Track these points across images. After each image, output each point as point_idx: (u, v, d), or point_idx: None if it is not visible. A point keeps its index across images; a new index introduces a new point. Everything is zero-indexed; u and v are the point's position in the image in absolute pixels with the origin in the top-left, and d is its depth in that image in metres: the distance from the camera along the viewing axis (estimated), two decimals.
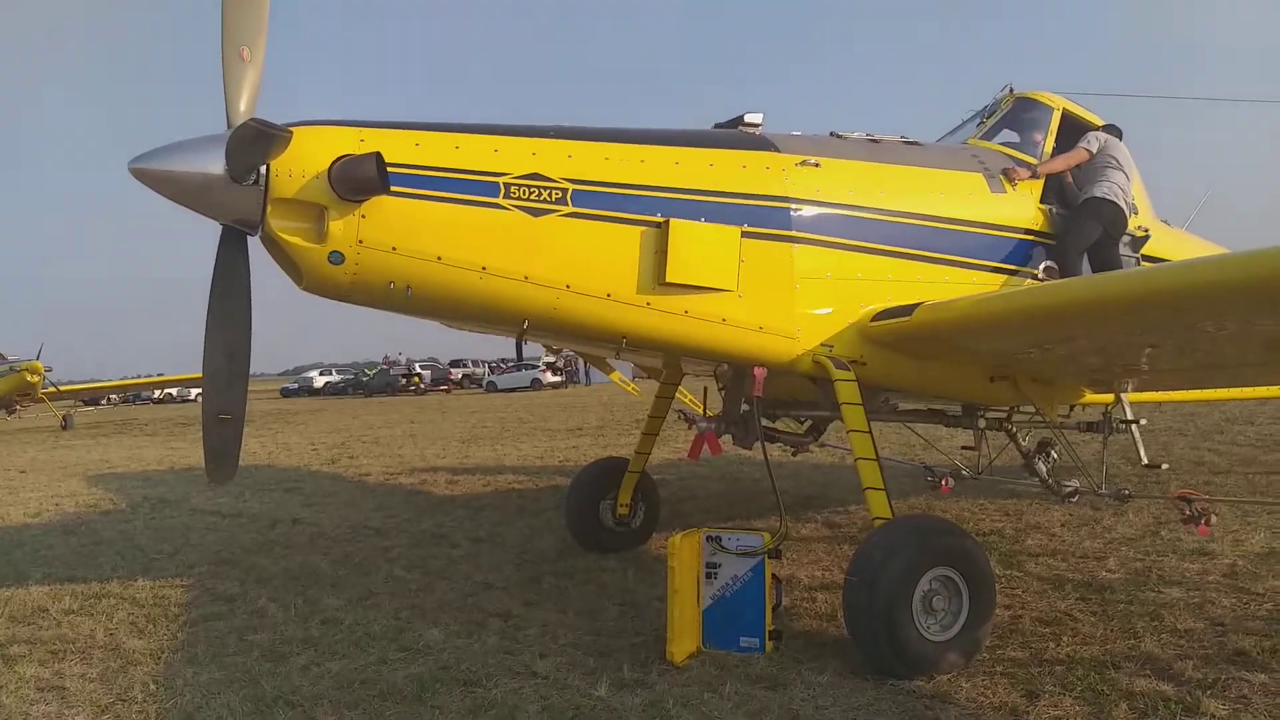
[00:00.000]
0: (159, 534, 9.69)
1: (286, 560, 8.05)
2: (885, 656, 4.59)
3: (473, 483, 12.84)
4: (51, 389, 34.51)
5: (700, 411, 8.43)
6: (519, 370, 53.82)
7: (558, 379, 52.69)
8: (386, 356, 66.84)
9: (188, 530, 9.85)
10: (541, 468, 14.34)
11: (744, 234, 5.32)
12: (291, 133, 4.42)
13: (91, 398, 50.76)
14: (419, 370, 60.70)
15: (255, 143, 4.32)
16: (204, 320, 4.72)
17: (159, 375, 49.78)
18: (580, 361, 47.56)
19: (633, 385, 11.85)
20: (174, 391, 65.76)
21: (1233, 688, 4.34)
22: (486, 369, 61.75)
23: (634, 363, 8.94)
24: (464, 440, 20.08)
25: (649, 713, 4.30)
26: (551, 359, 47.57)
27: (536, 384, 52.13)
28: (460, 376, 62.02)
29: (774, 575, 5.19)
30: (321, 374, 71.10)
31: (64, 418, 33.48)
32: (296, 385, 70.19)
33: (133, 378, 50.92)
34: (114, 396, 62.74)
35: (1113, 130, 7.03)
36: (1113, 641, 5.10)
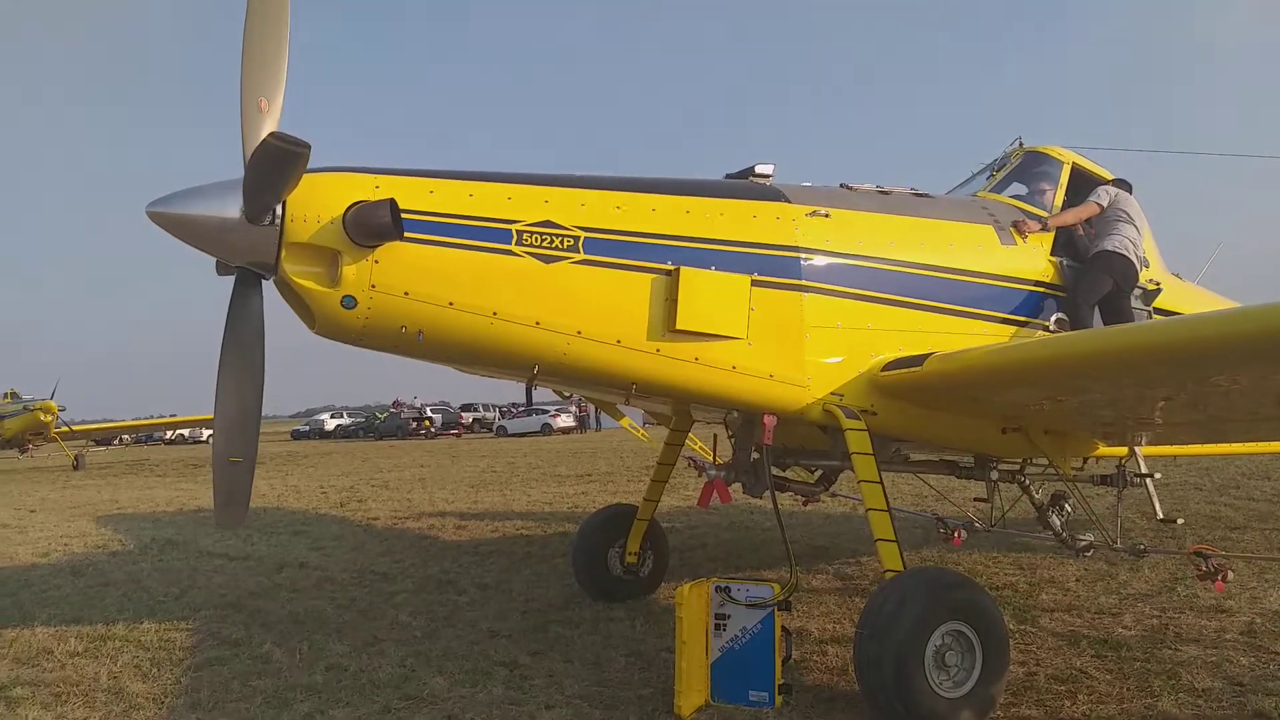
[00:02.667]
0: (166, 576, 9.66)
1: (292, 604, 8.01)
2: (896, 712, 4.51)
3: (481, 528, 12.77)
4: (64, 428, 34.68)
5: (710, 459, 8.40)
6: (529, 415, 53.79)
7: (569, 424, 52.59)
8: (398, 400, 66.88)
9: (194, 572, 9.82)
10: (550, 514, 14.28)
11: (754, 282, 5.34)
12: (308, 145, 4.39)
13: (104, 437, 50.83)
14: (430, 414, 60.69)
15: (277, 161, 4.30)
16: (216, 362, 4.75)
17: (171, 416, 49.87)
18: (592, 407, 47.58)
19: (643, 431, 11.79)
20: (185, 432, 65.96)
21: None
22: (497, 413, 61.72)
23: (644, 409, 8.92)
24: (473, 485, 20.02)
25: None
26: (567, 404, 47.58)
27: (547, 429, 52.04)
28: (471, 420, 61.97)
29: (784, 628, 5.12)
30: (333, 417, 71.25)
31: (76, 457, 33.55)
32: (307, 427, 70.29)
33: (145, 418, 51.04)
34: (126, 436, 62.84)
35: (1122, 184, 7.07)
36: (1129, 700, 5.01)
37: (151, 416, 51.72)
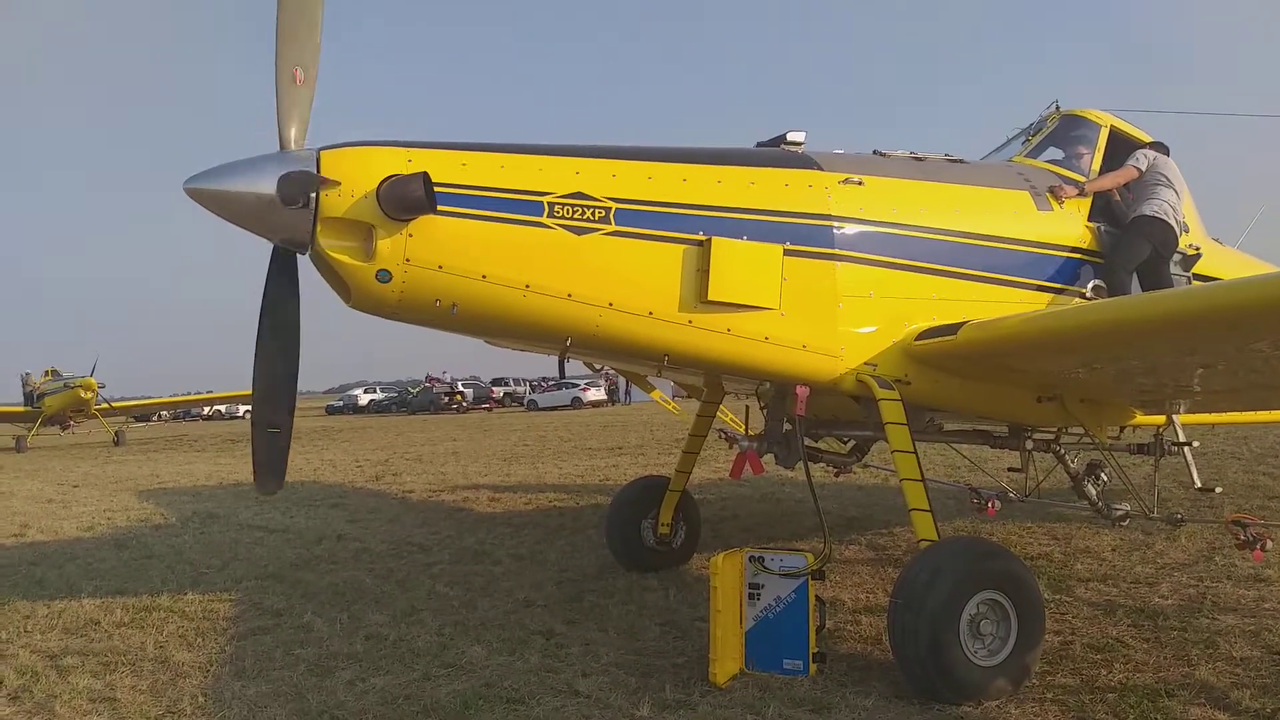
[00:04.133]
0: (208, 548, 9.85)
1: (332, 575, 8.14)
2: (931, 681, 4.52)
3: (514, 500, 12.90)
4: (104, 405, 35.28)
5: (741, 430, 8.41)
6: (560, 389, 54.02)
7: (599, 398, 52.76)
8: (430, 375, 67.41)
9: (235, 545, 10.00)
10: (582, 486, 14.37)
11: (786, 252, 5.31)
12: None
13: (142, 414, 51.76)
14: (461, 389, 61.14)
15: (303, 185, 4.43)
16: (254, 337, 4.81)
17: (208, 392, 50.65)
18: (621, 380, 47.60)
19: (673, 404, 11.81)
20: (222, 409, 66.93)
21: None
22: (528, 387, 62.05)
23: (675, 381, 8.93)
24: (505, 459, 20.18)
25: None
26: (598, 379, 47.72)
27: (577, 403, 52.28)
28: (502, 395, 62.38)
29: (817, 597, 5.14)
30: (366, 392, 71.90)
31: (116, 433, 34.18)
32: (341, 403, 71.06)
33: (183, 395, 51.85)
34: (165, 413, 63.99)
35: (1160, 148, 6.93)
36: (1166, 669, 4.98)
37: (189, 393, 52.55)
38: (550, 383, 56.79)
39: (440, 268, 4.77)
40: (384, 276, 4.71)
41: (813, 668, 5.01)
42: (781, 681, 4.92)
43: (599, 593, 7.03)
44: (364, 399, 69.73)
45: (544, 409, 52.69)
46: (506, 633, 6.06)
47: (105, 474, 20.88)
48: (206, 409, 65.46)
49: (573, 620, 6.31)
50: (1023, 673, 4.70)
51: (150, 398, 46.38)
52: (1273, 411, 7.82)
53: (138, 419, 51.59)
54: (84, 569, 8.92)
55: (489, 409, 58.20)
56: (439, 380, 65.12)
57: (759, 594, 5.17)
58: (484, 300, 4.91)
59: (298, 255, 4.80)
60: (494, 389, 63.26)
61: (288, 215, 4.53)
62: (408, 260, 4.71)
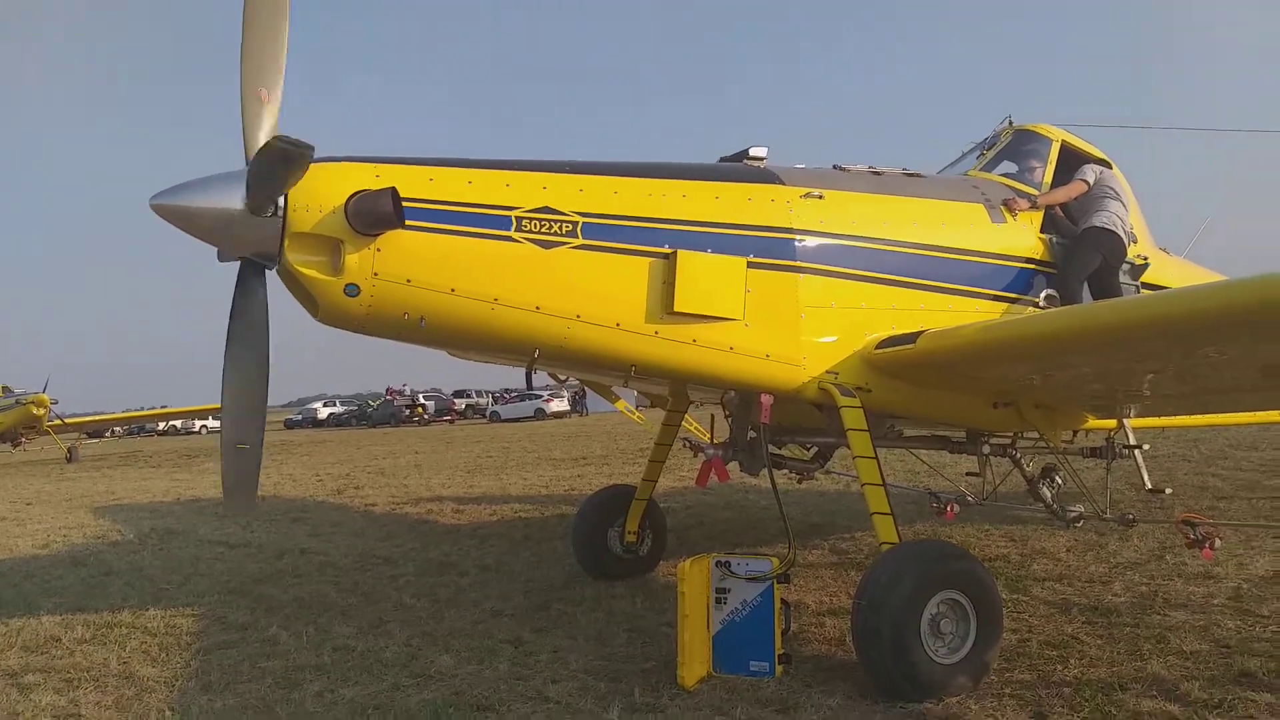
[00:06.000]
0: (168, 564, 9.74)
1: (296, 589, 8.10)
2: (894, 679, 4.64)
3: (479, 512, 12.88)
4: (56, 421, 34.61)
5: (706, 439, 8.52)
6: (523, 400, 53.92)
7: (563, 408, 52.73)
8: (390, 387, 66.92)
9: (196, 560, 9.90)
10: (547, 497, 14.39)
11: (750, 264, 5.43)
12: (313, 147, 4.46)
13: (96, 430, 50.78)
14: (423, 401, 60.78)
15: (280, 162, 4.37)
16: (209, 354, 4.81)
17: (161, 407, 49.86)
18: (583, 391, 47.52)
19: (638, 414, 11.90)
20: (178, 424, 65.89)
21: (1239, 708, 4.39)
22: (490, 399, 61.86)
23: (640, 391, 9.02)
24: (469, 470, 20.12)
25: None
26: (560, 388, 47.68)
27: (540, 414, 52.19)
28: (464, 407, 62.10)
29: (783, 600, 5.24)
30: (325, 405, 71.24)
31: (69, 450, 33.52)
32: (300, 416, 70.28)
33: (136, 410, 50.96)
34: (118, 428, 62.82)
35: (1104, 164, 7.16)
36: (1119, 664, 5.15)
37: (142, 408, 51.67)
38: (513, 394, 56.68)
39: (408, 281, 4.82)
40: (352, 291, 4.75)
41: (779, 669, 5.11)
42: (748, 683, 5.01)
43: (566, 601, 7.08)
44: (323, 412, 69.02)
45: (507, 420, 52.54)
46: (475, 642, 6.09)
47: (59, 491, 20.49)
48: (161, 424, 64.38)
49: (541, 629, 6.35)
50: (982, 669, 4.84)
51: (103, 413, 45.53)
52: (1220, 415, 8.09)
53: (90, 435, 50.58)
54: (41, 587, 8.78)
55: (451, 421, 57.90)
56: (399, 393, 64.70)
57: (725, 598, 5.26)
58: (452, 313, 4.97)
59: (266, 270, 4.81)
60: (455, 401, 62.98)
61: (256, 227, 4.55)
62: (375, 274, 4.75)
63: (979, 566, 5.13)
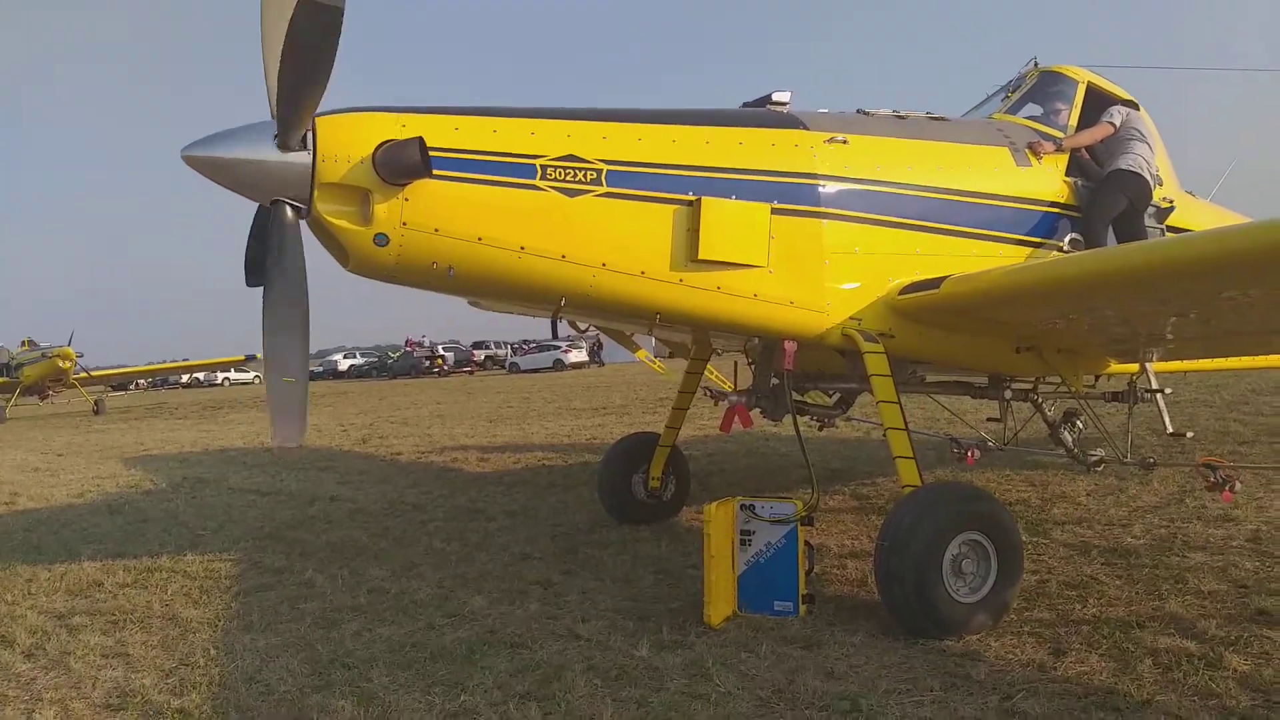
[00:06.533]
0: (201, 511, 9.98)
1: (328, 534, 8.30)
2: (916, 617, 4.75)
3: (503, 460, 13.07)
4: (83, 374, 35.11)
5: (727, 387, 8.60)
6: (541, 351, 54.15)
7: (581, 359, 52.93)
8: (410, 339, 67.29)
9: (229, 507, 10.14)
10: (569, 445, 14.57)
11: (774, 211, 5.44)
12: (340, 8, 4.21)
13: (120, 382, 51.49)
14: (442, 352, 61.12)
15: (313, 32, 4.22)
16: (260, 294, 4.87)
17: (184, 360, 50.41)
18: (600, 342, 47.61)
19: (659, 363, 11.97)
20: (200, 376, 66.67)
21: (1254, 644, 4.48)
22: (509, 350, 62.13)
23: (662, 340, 9.08)
24: (491, 420, 20.33)
25: (689, 671, 4.48)
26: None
27: (559, 364, 52.43)
28: (483, 358, 62.43)
29: (806, 541, 5.35)
30: (345, 357, 71.71)
31: (95, 402, 34.07)
32: (321, 368, 70.80)
33: (158, 363, 51.55)
34: (142, 381, 63.65)
35: (1131, 104, 7.08)
36: (1137, 603, 5.24)
37: (164, 361, 52.28)
38: (532, 345, 56.87)
39: (436, 231, 4.87)
40: (381, 240, 4.81)
41: (802, 609, 5.24)
42: (773, 622, 5.14)
43: (593, 545, 7.24)
44: (343, 364, 69.57)
45: (526, 371, 52.82)
46: (505, 584, 6.26)
47: (89, 442, 20.88)
48: (185, 377, 65.15)
49: (569, 571, 6.51)
50: (1002, 608, 4.94)
51: (124, 366, 46.09)
52: (1242, 359, 8.08)
53: (115, 388, 51.33)
54: (80, 533, 9.03)
55: (470, 372, 58.27)
56: (418, 344, 65.07)
57: (750, 540, 5.37)
58: (480, 262, 5.02)
59: (298, 211, 4.82)
60: (475, 352, 63.30)
61: (286, 172, 4.58)
62: (404, 224, 4.80)
63: (1000, 508, 5.21)
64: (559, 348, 52.43)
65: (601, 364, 53.37)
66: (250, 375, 69.34)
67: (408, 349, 65.01)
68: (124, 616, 5.98)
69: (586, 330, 7.06)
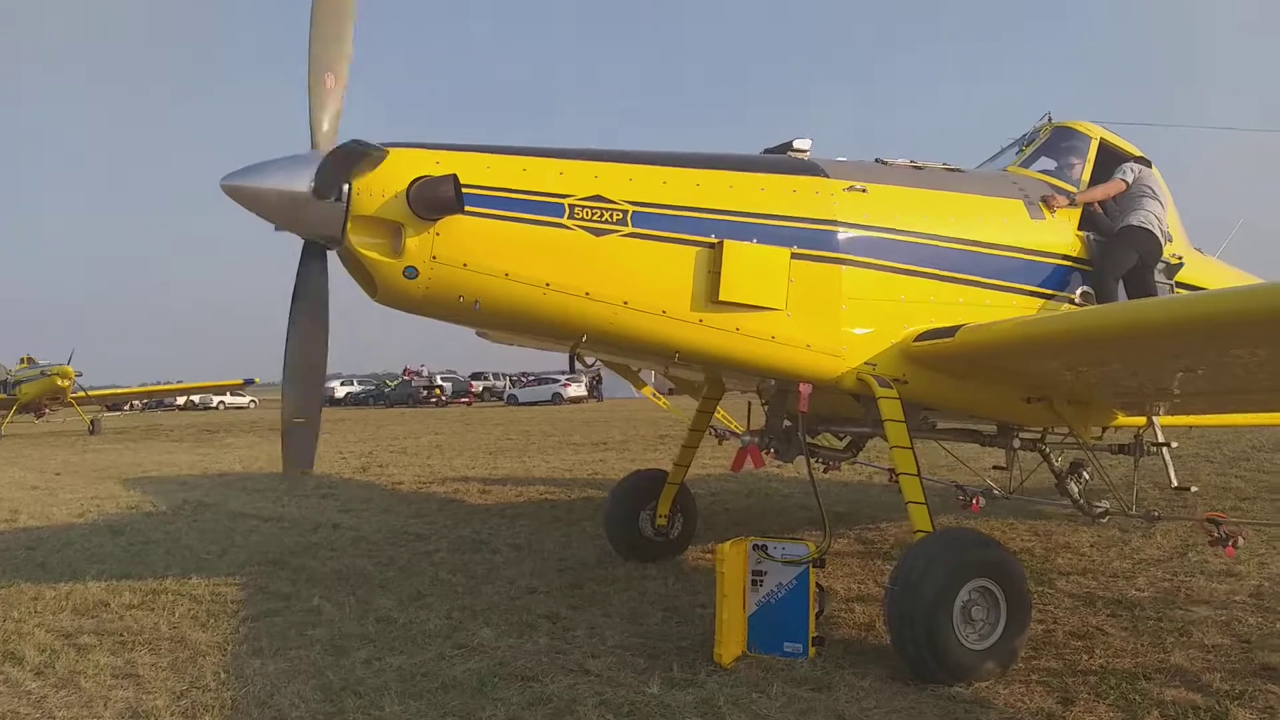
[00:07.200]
0: (204, 535, 9.98)
1: (333, 562, 8.31)
2: (926, 662, 4.78)
3: (505, 493, 13.08)
4: (80, 393, 35.08)
5: (732, 427, 8.68)
6: (540, 384, 54.20)
7: (580, 393, 52.96)
8: (408, 368, 67.29)
9: (231, 532, 10.14)
10: (571, 480, 14.58)
11: (794, 255, 5.55)
12: (387, 152, 4.69)
13: (115, 403, 51.39)
14: (440, 382, 61.09)
15: (351, 159, 4.60)
16: (284, 331, 4.98)
17: (177, 382, 50.41)
18: (599, 377, 47.59)
19: (664, 400, 12.04)
20: (196, 399, 66.52)
21: (1259, 699, 4.52)
22: (507, 382, 62.14)
23: (669, 378, 9.17)
24: (491, 452, 20.34)
25: (701, 709, 4.51)
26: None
27: (557, 398, 52.44)
28: (481, 389, 62.40)
29: (818, 584, 5.39)
30: (342, 384, 71.56)
31: (91, 422, 33.98)
32: None
33: (151, 384, 51.50)
34: (137, 402, 63.46)
35: (1144, 162, 7.23)
36: (1143, 655, 5.27)
37: (157, 383, 52.25)
38: (530, 378, 56.93)
39: (465, 265, 4.98)
40: (411, 273, 4.91)
41: (811, 651, 5.26)
42: (783, 663, 5.17)
43: (599, 580, 7.25)
44: (340, 391, 69.37)
45: (524, 404, 52.80)
46: (513, 616, 6.27)
47: (85, 462, 20.85)
48: (181, 399, 65.01)
49: (577, 606, 6.53)
50: (1010, 656, 4.98)
51: (118, 386, 46.04)
52: (1247, 415, 8.16)
53: (110, 408, 51.16)
54: (84, 554, 9.04)
55: (468, 403, 58.19)
56: (416, 373, 65.02)
57: (762, 580, 5.41)
58: (506, 297, 5.12)
59: (327, 251, 4.98)
60: (473, 383, 63.26)
61: (321, 211, 4.72)
62: (434, 258, 4.91)
63: (1010, 556, 5.27)
64: (558, 381, 52.49)
65: (600, 399, 53.40)
66: (246, 400, 69.21)
67: (405, 378, 64.96)
68: (132, 637, 6.00)
69: (593, 365, 7.15)
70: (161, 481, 16.04)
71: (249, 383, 42.24)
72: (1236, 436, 17.04)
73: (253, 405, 68.02)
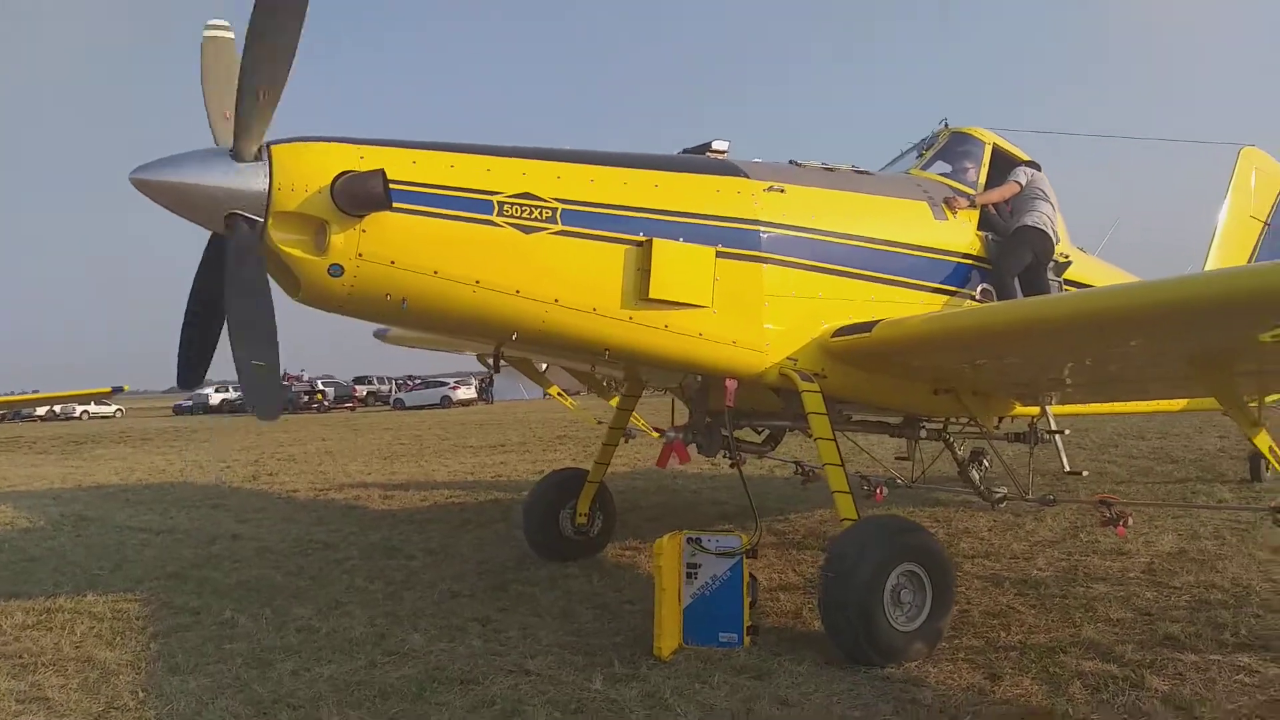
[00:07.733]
0: (91, 550, 9.46)
1: (238, 573, 8.00)
2: (860, 645, 4.96)
3: (408, 498, 12.83)
4: None
5: (639, 426, 8.80)
6: (428, 387, 53.29)
7: (469, 396, 52.31)
8: (287, 373, 65.08)
9: (121, 546, 9.64)
10: (475, 483, 14.41)
11: (719, 254, 5.65)
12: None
13: None
14: (321, 387, 59.31)
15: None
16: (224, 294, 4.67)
17: (34, 392, 47.48)
18: (490, 379, 47.07)
19: (570, 400, 12.04)
20: (58, 409, 62.71)
21: (1169, 666, 4.86)
22: (393, 386, 60.83)
23: (590, 377, 9.18)
24: (385, 457, 19.90)
25: (648, 703, 4.56)
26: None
27: (446, 401, 51.66)
28: (365, 394, 60.88)
29: (750, 574, 5.50)
30: (218, 390, 68.66)
31: None
32: (190, 402, 67.54)
33: (4, 395, 48.36)
34: None
35: (1034, 165, 7.63)
36: (1055, 630, 5.59)
37: (14, 393, 49.11)
38: (417, 381, 55.89)
39: (392, 263, 4.88)
40: (336, 271, 4.78)
41: (746, 640, 5.38)
42: (720, 653, 5.26)
43: (524, 581, 7.21)
44: (216, 398, 66.56)
45: (411, 407, 51.80)
46: (441, 621, 6.18)
47: None
48: (41, 409, 61.16)
49: (505, 608, 6.48)
50: (936, 636, 5.21)
51: None
52: (1129, 403, 8.70)
53: None
54: None
55: (351, 408, 56.71)
56: (296, 378, 62.96)
57: (696, 573, 5.50)
58: (434, 296, 5.05)
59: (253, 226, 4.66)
60: (357, 388, 61.67)
61: (243, 179, 4.54)
62: (360, 255, 4.79)
63: (933, 540, 5.51)
64: (446, 384, 51.71)
65: (490, 401, 52.84)
66: (112, 409, 65.59)
67: (285, 383, 62.82)
68: (33, 659, 5.65)
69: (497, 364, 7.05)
70: (32, 495, 15.08)
71: (118, 390, 40.06)
72: (1101, 424, 18.08)
73: (119, 415, 64.51)
